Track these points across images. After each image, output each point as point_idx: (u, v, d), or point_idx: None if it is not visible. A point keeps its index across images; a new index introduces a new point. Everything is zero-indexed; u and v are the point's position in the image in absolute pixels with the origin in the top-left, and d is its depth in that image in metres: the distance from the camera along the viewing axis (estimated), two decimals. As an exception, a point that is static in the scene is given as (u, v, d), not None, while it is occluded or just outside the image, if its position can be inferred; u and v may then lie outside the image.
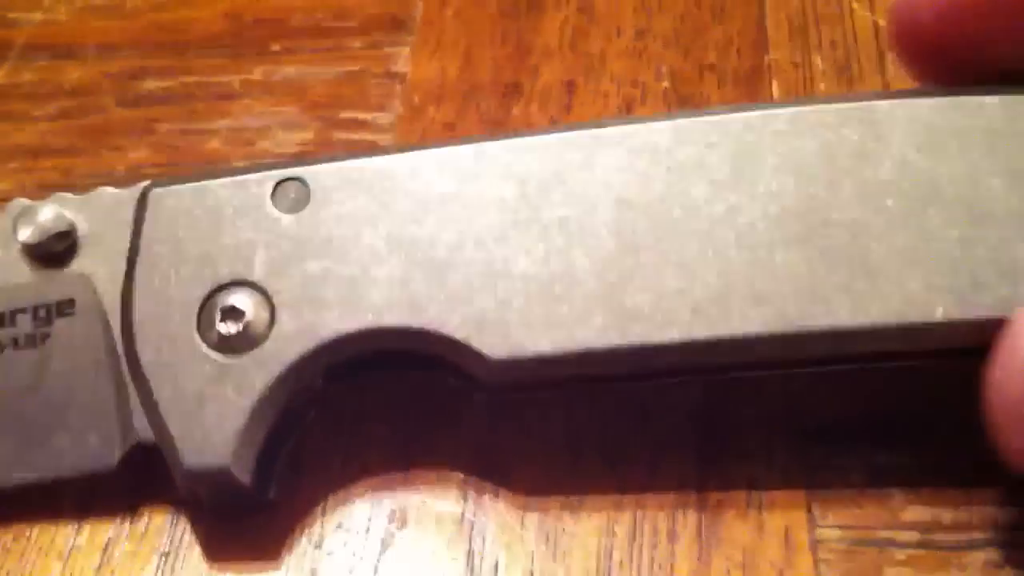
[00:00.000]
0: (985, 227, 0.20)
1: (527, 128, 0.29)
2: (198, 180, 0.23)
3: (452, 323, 0.21)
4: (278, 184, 0.22)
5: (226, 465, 0.21)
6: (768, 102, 0.23)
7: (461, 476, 0.23)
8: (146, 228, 0.22)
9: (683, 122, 0.22)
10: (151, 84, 0.32)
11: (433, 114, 0.30)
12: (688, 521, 0.22)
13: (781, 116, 0.22)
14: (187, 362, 0.21)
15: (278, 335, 0.21)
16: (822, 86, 0.30)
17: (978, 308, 0.20)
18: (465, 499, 0.23)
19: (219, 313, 0.21)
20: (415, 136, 0.30)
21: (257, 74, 0.32)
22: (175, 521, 0.23)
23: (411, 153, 0.22)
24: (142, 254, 0.22)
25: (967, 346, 0.20)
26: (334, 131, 0.30)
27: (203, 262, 0.22)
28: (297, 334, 0.21)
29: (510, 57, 0.31)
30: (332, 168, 0.22)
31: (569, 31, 0.32)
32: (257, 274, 0.22)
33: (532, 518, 0.22)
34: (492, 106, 0.30)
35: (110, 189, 0.24)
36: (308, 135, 0.30)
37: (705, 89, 0.30)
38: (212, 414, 0.21)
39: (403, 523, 0.22)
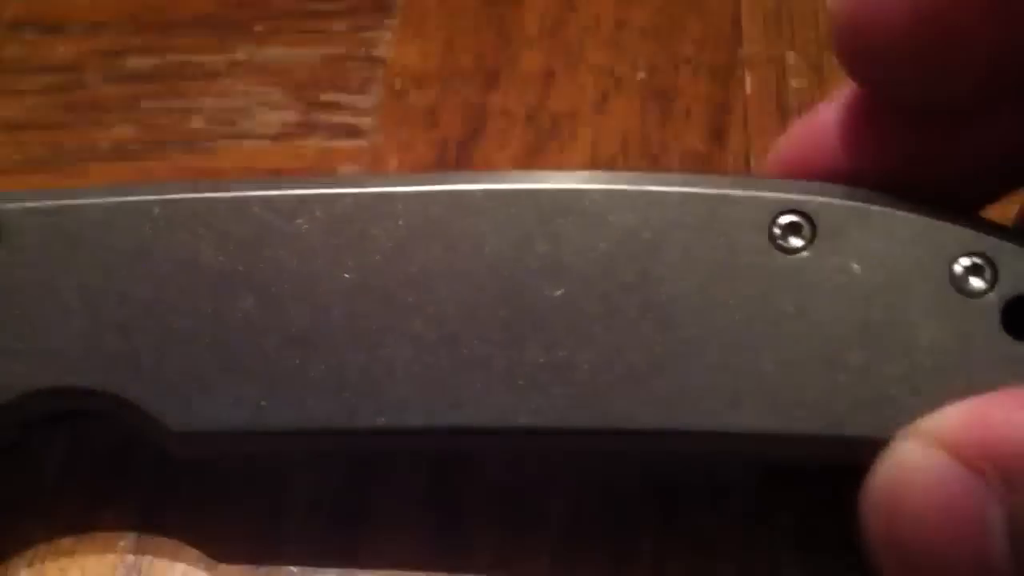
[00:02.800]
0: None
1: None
2: None
3: (135, 389, 0.20)
4: None
5: None
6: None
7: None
8: None
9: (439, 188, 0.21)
10: (136, 61, 0.32)
11: (414, 99, 0.31)
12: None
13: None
14: None
15: None
16: (794, 82, 0.31)
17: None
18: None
19: None
20: (395, 121, 0.30)
21: (241, 54, 0.32)
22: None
23: (107, 199, 0.21)
24: None
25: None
26: (316, 113, 0.31)
27: None
28: None
29: (491, 44, 0.32)
30: (23, 208, 0.21)
31: (549, 20, 0.33)
32: None
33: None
34: (472, 93, 0.31)
35: None
36: (290, 116, 0.31)
37: (680, 81, 0.31)
38: None
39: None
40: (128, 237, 0.21)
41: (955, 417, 0.18)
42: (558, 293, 0.20)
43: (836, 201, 0.20)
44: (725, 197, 0.20)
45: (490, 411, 0.20)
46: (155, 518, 0.23)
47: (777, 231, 0.20)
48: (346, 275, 0.20)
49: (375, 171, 0.29)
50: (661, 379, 0.20)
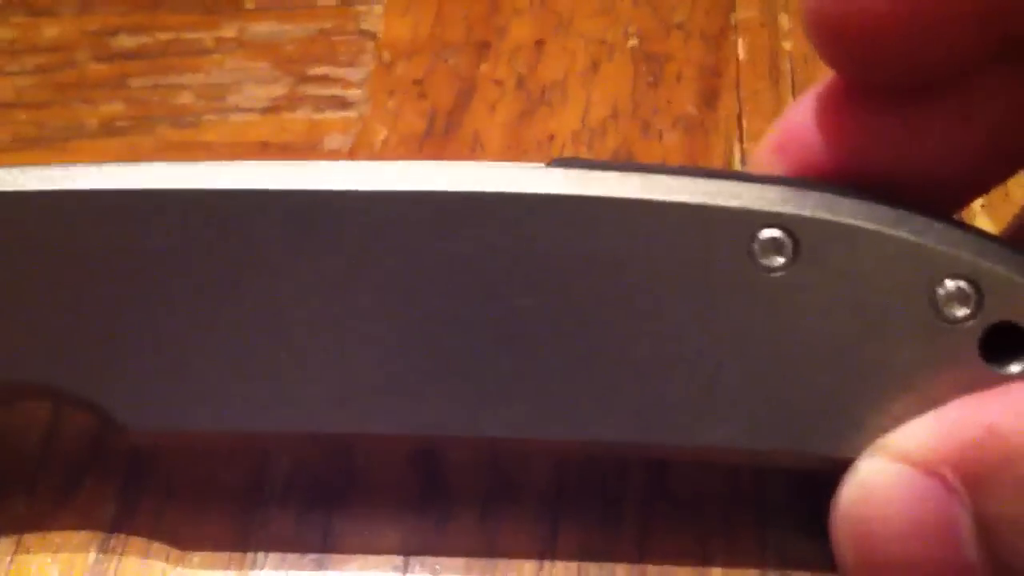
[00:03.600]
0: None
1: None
2: None
3: (90, 385, 0.20)
4: None
5: None
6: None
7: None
8: None
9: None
10: (125, 40, 0.32)
11: (403, 70, 0.31)
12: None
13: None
14: None
15: None
16: (787, 45, 0.30)
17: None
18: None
19: None
20: (385, 92, 0.30)
21: (230, 31, 0.32)
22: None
23: (59, 184, 0.20)
24: None
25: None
26: (305, 86, 0.30)
27: None
28: None
29: (480, 15, 0.32)
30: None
31: (539, -10, 0.32)
32: None
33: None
34: (462, 63, 0.31)
35: None
36: (279, 90, 0.30)
37: (672, 47, 0.30)
38: None
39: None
40: (82, 228, 0.20)
41: (915, 429, 0.18)
42: (528, 303, 0.19)
43: (820, 216, 0.19)
44: (705, 208, 0.19)
45: (457, 420, 0.19)
46: (132, 495, 0.23)
47: (757, 248, 0.19)
48: (310, 275, 0.19)
49: (361, 143, 0.29)
50: (631, 392, 0.19)
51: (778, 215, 0.19)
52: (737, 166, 0.28)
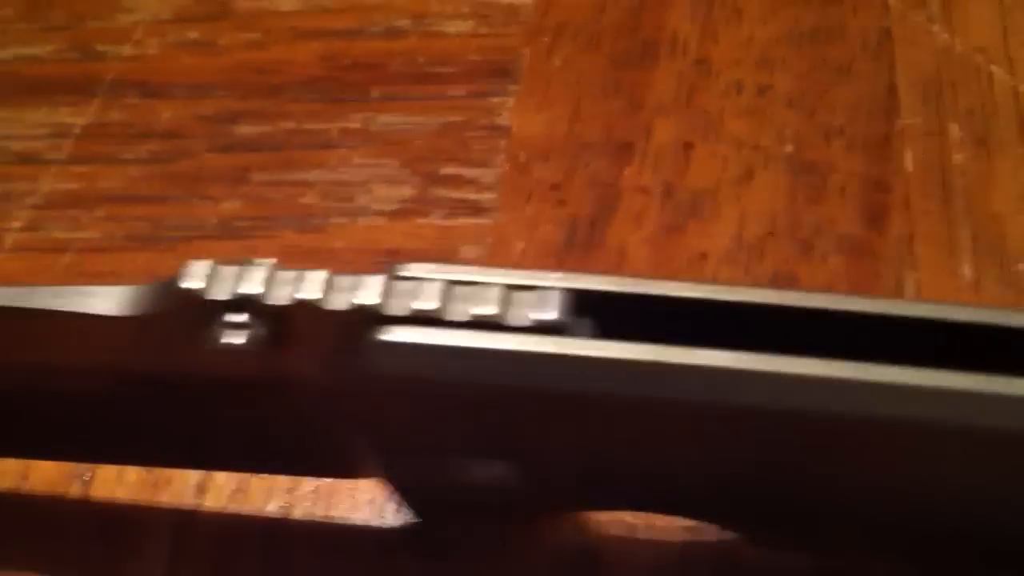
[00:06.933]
0: None
1: None
2: None
3: None
4: None
5: None
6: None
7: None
8: None
9: None
10: (244, 129, 0.30)
11: (539, 173, 0.29)
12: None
13: None
14: None
15: None
16: (958, 157, 0.28)
17: None
18: None
19: None
20: (521, 197, 0.28)
21: (355, 122, 0.30)
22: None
23: None
24: None
25: None
26: (435, 188, 0.28)
27: None
28: None
29: (621, 112, 0.30)
30: None
31: (685, 86, 0.30)
32: None
33: None
34: (602, 167, 0.28)
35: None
36: (407, 191, 0.28)
37: (832, 156, 0.28)
38: None
39: None
40: None
41: None
42: None
43: None
44: None
45: None
46: None
47: None
48: None
49: (497, 254, 0.27)
50: None
51: None
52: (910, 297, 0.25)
